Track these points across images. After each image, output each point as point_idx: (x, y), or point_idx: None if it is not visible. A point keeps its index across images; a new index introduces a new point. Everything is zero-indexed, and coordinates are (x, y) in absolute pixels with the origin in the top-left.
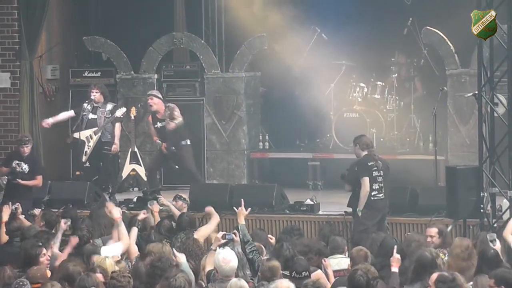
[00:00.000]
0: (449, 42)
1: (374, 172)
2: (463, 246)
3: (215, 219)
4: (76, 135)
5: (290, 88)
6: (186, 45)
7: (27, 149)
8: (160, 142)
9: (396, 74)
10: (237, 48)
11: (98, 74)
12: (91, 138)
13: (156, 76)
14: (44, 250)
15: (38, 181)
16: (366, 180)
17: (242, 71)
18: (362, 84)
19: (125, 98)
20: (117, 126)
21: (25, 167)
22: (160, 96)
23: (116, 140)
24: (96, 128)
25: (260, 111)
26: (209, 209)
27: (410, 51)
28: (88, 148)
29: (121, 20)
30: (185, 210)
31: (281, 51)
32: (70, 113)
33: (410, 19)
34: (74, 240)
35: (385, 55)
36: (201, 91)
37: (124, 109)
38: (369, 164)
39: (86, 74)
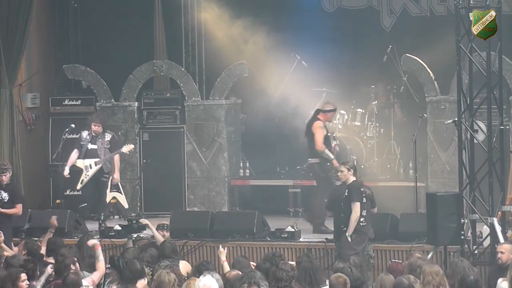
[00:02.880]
0: (428, 69)
1: (363, 198)
2: (433, 273)
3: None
4: (79, 163)
5: (271, 115)
6: (166, 73)
7: (5, 178)
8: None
9: (376, 101)
10: (217, 76)
11: (78, 102)
12: (91, 167)
13: (136, 103)
14: (25, 276)
15: (18, 209)
16: (358, 205)
17: (222, 98)
18: (342, 111)
19: (106, 126)
20: (116, 157)
21: (4, 195)
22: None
23: (117, 171)
24: (98, 159)
25: (241, 138)
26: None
27: (390, 78)
28: (86, 177)
29: (101, 48)
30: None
31: (261, 78)
32: (75, 153)
33: (390, 46)
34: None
35: (365, 82)
36: (181, 118)
37: (131, 146)
38: (361, 189)
39: (66, 102)
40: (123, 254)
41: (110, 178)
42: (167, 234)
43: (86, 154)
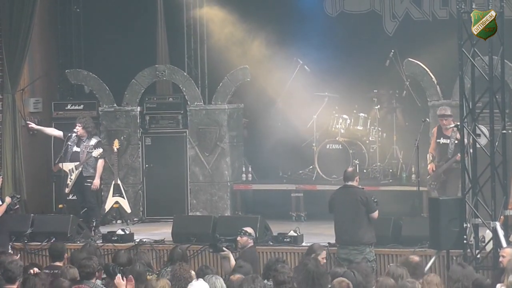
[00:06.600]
0: (431, 74)
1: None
2: (438, 283)
3: None
4: (65, 166)
5: (273, 119)
6: (168, 78)
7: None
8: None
9: (379, 106)
10: (219, 80)
11: (81, 107)
12: (73, 171)
13: (139, 108)
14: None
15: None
16: None
17: (225, 103)
18: (344, 116)
19: (108, 131)
20: (100, 162)
21: None
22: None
23: (97, 177)
24: (78, 162)
25: (243, 142)
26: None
27: (392, 83)
28: (70, 181)
29: (103, 52)
30: (251, 245)
31: (263, 82)
32: (59, 133)
33: (392, 51)
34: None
35: (368, 87)
36: (184, 123)
37: (100, 150)
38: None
39: (68, 107)
40: (115, 259)
41: (113, 183)
42: (250, 241)
43: (70, 156)
